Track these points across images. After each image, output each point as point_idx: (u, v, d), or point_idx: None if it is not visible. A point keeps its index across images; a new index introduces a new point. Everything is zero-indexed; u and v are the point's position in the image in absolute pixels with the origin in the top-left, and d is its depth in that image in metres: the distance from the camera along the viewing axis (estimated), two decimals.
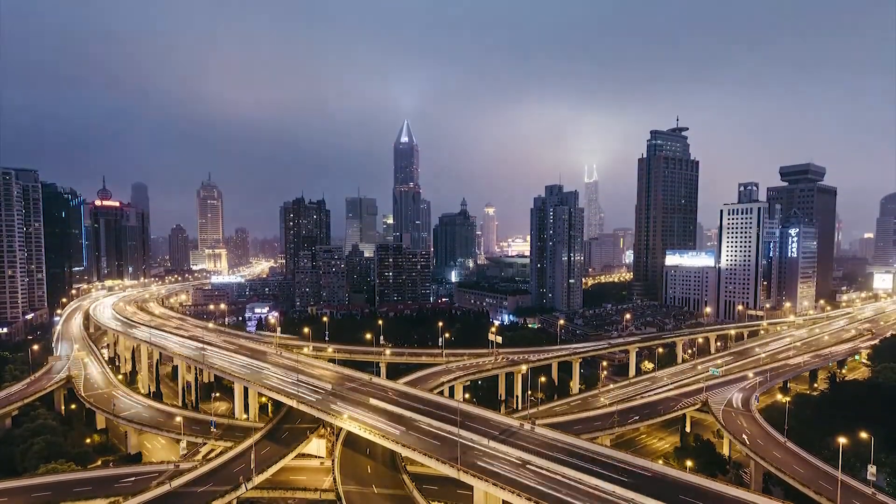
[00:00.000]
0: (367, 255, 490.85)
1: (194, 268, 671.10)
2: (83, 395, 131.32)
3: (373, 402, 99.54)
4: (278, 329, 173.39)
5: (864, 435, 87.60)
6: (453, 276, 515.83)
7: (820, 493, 78.02)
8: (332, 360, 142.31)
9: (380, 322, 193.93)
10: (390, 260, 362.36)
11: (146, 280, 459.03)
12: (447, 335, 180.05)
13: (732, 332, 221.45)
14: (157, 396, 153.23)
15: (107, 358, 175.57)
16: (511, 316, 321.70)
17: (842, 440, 76.40)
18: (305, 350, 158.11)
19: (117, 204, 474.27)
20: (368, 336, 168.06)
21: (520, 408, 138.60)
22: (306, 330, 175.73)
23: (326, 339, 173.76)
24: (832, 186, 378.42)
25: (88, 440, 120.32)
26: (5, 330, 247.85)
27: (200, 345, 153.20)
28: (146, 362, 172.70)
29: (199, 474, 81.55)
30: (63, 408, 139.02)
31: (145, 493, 74.86)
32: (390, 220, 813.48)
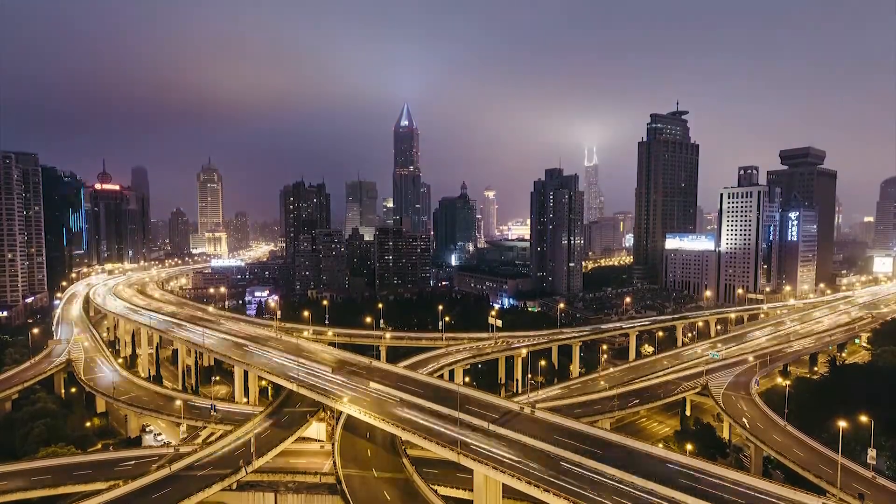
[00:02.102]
0: (367, 238, 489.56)
1: (194, 251, 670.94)
2: (83, 378, 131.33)
3: (373, 385, 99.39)
4: (278, 313, 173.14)
5: (863, 418, 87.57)
6: (453, 260, 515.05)
7: (820, 476, 78.15)
8: (332, 344, 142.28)
9: (380, 306, 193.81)
10: (390, 243, 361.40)
11: (146, 263, 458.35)
12: (447, 319, 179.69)
13: (732, 315, 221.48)
14: (157, 380, 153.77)
15: (107, 341, 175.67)
16: (511, 299, 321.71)
17: (842, 424, 76.32)
18: (306, 334, 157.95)
19: (117, 187, 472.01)
20: (368, 320, 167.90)
21: (520, 391, 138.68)
22: (306, 314, 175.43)
23: (327, 322, 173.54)
24: (832, 170, 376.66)
25: (88, 424, 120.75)
26: (5, 313, 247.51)
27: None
28: (146, 346, 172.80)
29: (199, 458, 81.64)
30: (63, 391, 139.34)
31: (146, 477, 74.96)
32: (390, 204, 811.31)
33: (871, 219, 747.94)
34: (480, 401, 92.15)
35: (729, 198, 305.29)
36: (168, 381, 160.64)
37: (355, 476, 76.81)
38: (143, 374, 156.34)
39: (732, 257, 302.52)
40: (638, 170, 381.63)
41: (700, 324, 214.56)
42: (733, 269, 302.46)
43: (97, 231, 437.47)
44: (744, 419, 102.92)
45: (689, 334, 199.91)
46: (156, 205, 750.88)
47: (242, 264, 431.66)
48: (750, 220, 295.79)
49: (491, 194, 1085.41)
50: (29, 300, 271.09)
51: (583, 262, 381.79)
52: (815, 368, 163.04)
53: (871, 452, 76.01)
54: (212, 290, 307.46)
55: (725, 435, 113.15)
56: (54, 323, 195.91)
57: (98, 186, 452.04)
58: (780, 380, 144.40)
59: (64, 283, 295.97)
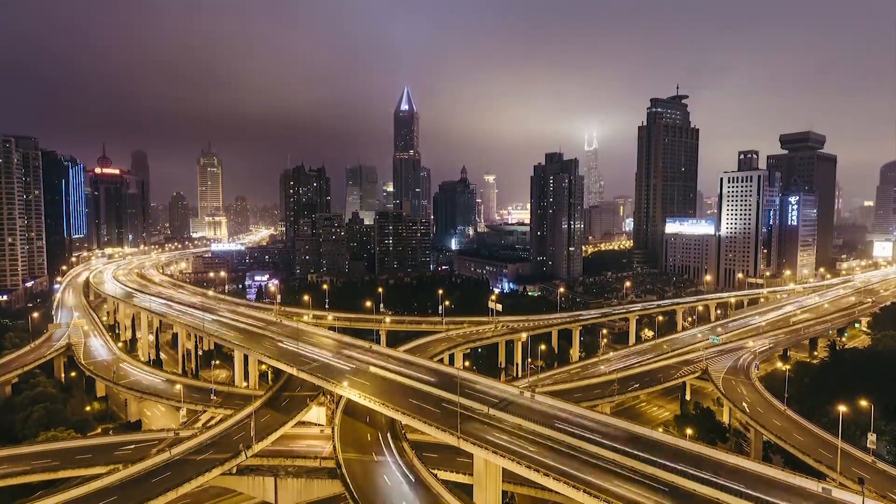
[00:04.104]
0: (367, 222, 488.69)
1: (194, 235, 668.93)
2: (83, 362, 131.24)
3: (373, 369, 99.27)
4: (278, 297, 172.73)
5: (863, 403, 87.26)
6: (453, 244, 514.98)
7: (820, 460, 78.12)
8: (332, 328, 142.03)
9: (380, 290, 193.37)
10: (390, 227, 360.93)
11: (146, 248, 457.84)
12: (447, 303, 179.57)
13: (732, 299, 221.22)
14: (157, 364, 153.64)
15: (107, 325, 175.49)
16: (511, 284, 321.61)
17: (842, 408, 76.05)
18: (305, 318, 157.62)
19: (117, 171, 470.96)
20: (368, 304, 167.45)
21: (520, 376, 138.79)
22: (306, 298, 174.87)
23: (326, 307, 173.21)
24: (832, 154, 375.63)
25: (88, 408, 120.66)
26: (5, 297, 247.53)
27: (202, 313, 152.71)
28: (146, 330, 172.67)
29: (198, 442, 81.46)
30: (63, 375, 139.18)
31: (145, 461, 74.80)
32: (390, 188, 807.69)
33: (871, 203, 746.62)
34: (480, 385, 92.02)
35: (729, 182, 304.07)
36: (168, 366, 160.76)
37: (355, 460, 76.80)
38: (142, 359, 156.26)
39: (732, 242, 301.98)
40: (638, 154, 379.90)
41: (700, 308, 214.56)
42: (733, 253, 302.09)
43: (97, 215, 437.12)
44: (744, 403, 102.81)
45: (690, 318, 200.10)
46: (156, 189, 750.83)
47: (242, 248, 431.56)
48: (750, 205, 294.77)
49: (491, 178, 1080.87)
50: (29, 284, 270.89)
51: (583, 247, 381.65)
52: (815, 353, 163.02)
53: (871, 437, 75.85)
54: (212, 275, 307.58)
55: (725, 419, 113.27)
56: (54, 307, 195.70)
57: (98, 170, 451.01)
58: (779, 364, 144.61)
59: (64, 268, 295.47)
